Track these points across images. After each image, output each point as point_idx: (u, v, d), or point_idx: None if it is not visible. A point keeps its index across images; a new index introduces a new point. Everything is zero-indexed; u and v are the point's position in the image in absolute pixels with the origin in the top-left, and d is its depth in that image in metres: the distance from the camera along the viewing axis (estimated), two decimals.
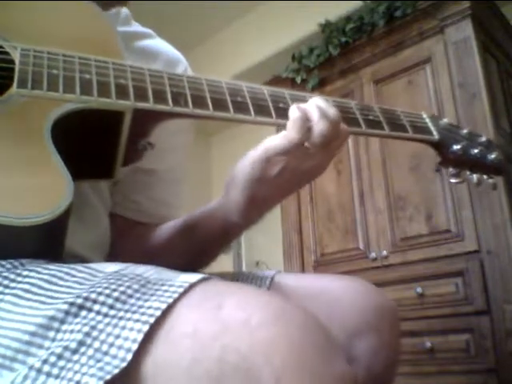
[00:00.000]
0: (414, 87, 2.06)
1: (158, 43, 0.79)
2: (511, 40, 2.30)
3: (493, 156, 0.69)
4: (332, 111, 0.54)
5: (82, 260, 0.60)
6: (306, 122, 0.52)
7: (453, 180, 0.68)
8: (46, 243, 0.48)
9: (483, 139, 0.71)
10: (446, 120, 0.71)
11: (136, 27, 0.78)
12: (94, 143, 0.54)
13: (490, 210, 1.75)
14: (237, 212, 0.57)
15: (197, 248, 0.65)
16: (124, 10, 0.76)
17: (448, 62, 1.97)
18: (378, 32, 2.18)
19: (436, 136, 0.67)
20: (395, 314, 0.63)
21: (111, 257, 0.69)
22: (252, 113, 0.56)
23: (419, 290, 1.84)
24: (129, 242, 0.71)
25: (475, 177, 0.69)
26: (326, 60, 2.33)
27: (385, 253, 2.01)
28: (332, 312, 0.59)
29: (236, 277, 0.69)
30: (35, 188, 0.45)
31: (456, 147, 0.66)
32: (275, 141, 0.53)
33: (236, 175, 0.56)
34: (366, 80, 2.23)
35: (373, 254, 2.04)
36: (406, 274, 1.91)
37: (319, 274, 0.72)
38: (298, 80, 2.39)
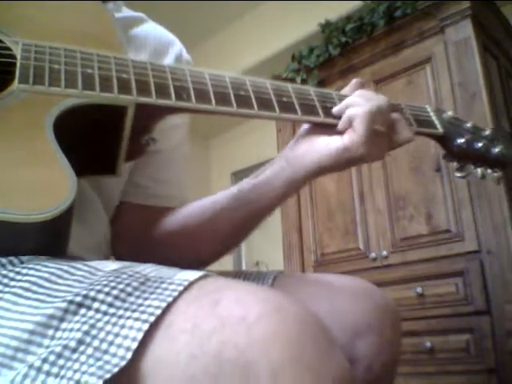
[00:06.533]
0: (414, 87, 2.06)
1: (148, 29, 0.76)
2: (511, 40, 2.30)
3: (497, 149, 0.67)
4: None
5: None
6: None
7: (457, 174, 0.68)
8: (49, 239, 0.47)
9: (487, 132, 0.69)
10: (449, 113, 0.70)
11: (127, 13, 0.76)
12: (97, 138, 0.54)
13: (490, 210, 1.75)
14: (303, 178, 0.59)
15: (247, 219, 0.64)
16: None
17: (448, 62, 1.97)
18: (377, 32, 2.18)
19: (440, 129, 0.66)
20: (396, 314, 0.63)
21: (113, 246, 0.69)
22: (255, 107, 0.55)
23: (419, 290, 1.83)
24: (135, 226, 0.70)
25: (479, 171, 0.68)
26: (326, 60, 2.33)
27: (385, 253, 2.00)
28: (333, 312, 0.58)
29: (238, 276, 0.69)
30: (38, 184, 0.45)
31: (460, 141, 0.66)
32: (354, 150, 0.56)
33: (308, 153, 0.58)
34: (366, 80, 2.22)
35: (373, 254, 2.04)
36: (405, 274, 1.91)
37: (320, 274, 0.72)
38: (298, 80, 2.38)
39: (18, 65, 0.49)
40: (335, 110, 0.59)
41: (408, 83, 2.09)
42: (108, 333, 0.36)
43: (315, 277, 0.70)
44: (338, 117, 0.58)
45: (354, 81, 0.64)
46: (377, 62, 2.21)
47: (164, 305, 0.37)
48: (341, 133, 0.57)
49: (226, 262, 3.15)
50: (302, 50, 2.43)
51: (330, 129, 0.58)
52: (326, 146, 0.57)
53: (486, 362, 1.66)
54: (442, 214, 1.88)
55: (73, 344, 0.36)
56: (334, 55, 2.29)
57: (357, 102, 0.57)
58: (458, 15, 1.95)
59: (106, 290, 0.39)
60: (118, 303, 0.38)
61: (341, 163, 0.57)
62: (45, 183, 0.45)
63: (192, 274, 0.40)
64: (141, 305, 0.37)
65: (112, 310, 0.38)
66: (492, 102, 1.88)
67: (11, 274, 0.43)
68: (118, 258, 0.68)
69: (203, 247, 0.68)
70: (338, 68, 2.33)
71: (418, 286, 1.85)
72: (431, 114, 0.68)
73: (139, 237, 0.70)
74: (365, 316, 0.59)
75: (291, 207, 2.35)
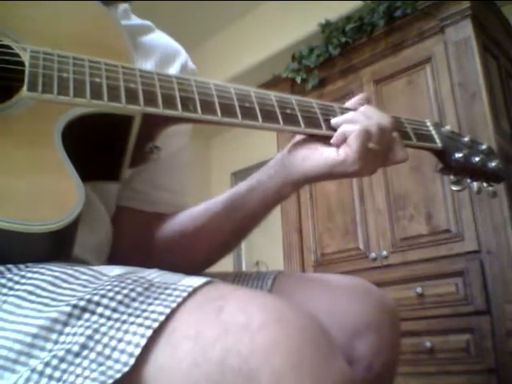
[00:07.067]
0: (414, 87, 2.06)
1: (155, 37, 0.77)
2: (511, 40, 2.30)
3: (493, 164, 0.69)
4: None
5: (80, 263, 0.60)
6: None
7: (454, 188, 0.69)
8: (57, 247, 0.47)
9: (484, 147, 0.71)
10: (447, 127, 0.71)
11: (135, 20, 0.77)
12: (102, 146, 0.54)
13: (490, 210, 1.75)
14: (295, 184, 0.60)
15: (243, 222, 0.64)
16: (123, 4, 0.75)
17: (448, 62, 1.97)
18: (377, 32, 2.18)
19: (439, 144, 0.67)
20: (395, 314, 0.63)
21: (113, 250, 0.69)
22: (260, 119, 0.56)
23: (419, 290, 1.84)
24: (134, 231, 0.70)
25: (475, 184, 0.69)
26: (326, 60, 2.33)
27: (385, 253, 2.01)
28: (332, 312, 0.59)
29: (238, 277, 0.69)
30: (47, 193, 0.45)
31: (458, 155, 0.67)
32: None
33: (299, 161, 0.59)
34: (366, 80, 2.23)
35: (373, 254, 2.04)
36: (405, 274, 1.91)
37: (320, 274, 0.72)
38: (298, 80, 2.39)
39: (27, 72, 0.48)
40: (333, 121, 0.59)
41: (408, 83, 2.09)
42: (111, 338, 0.36)
43: (315, 277, 0.70)
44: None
45: (360, 95, 0.64)
46: (377, 62, 2.21)
47: (168, 311, 0.37)
48: (338, 146, 0.57)
49: (226, 262, 3.15)
50: (302, 50, 2.43)
51: (329, 140, 0.58)
52: (321, 155, 0.57)
53: (486, 362, 1.66)
54: (442, 214, 1.88)
55: (76, 348, 0.36)
56: (334, 55, 2.29)
57: (356, 119, 0.57)
58: (458, 15, 1.95)
59: (110, 294, 0.39)
60: (121, 308, 0.38)
61: (334, 174, 0.57)
62: (53, 192, 0.45)
63: (196, 280, 0.40)
64: (144, 310, 0.37)
65: (116, 315, 0.38)
66: (492, 102, 1.88)
67: (16, 278, 0.43)
68: (118, 256, 0.68)
69: (204, 249, 0.68)
70: (338, 68, 2.33)
71: (417, 286, 1.85)
72: (431, 128, 0.68)
73: (139, 240, 0.70)
74: (364, 316, 0.59)
75: (291, 207, 2.35)
